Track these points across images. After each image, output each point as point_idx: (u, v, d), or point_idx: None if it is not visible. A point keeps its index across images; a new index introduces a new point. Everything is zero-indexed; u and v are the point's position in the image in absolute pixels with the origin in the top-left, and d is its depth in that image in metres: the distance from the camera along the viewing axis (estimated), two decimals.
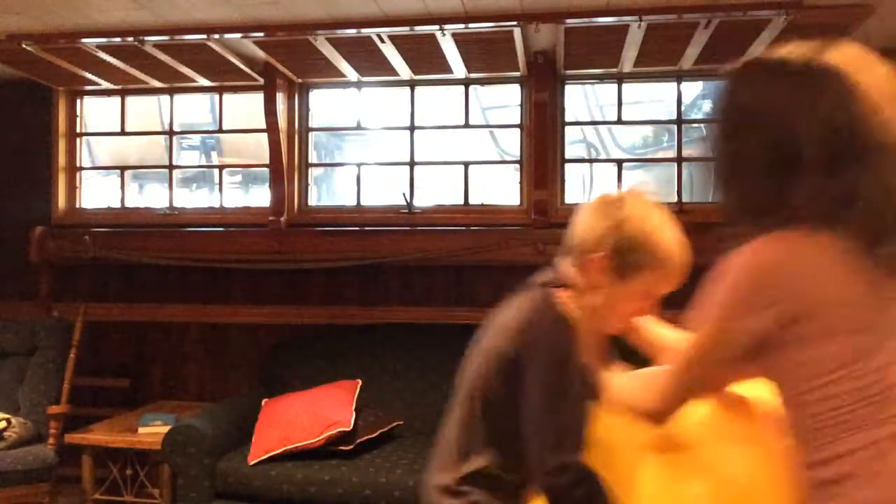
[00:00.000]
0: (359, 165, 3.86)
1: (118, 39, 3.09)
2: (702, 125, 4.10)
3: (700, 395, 1.26)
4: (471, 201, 3.74)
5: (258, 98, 3.64)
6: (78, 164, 4.08)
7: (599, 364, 1.46)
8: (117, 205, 4.05)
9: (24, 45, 3.14)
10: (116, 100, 4.03)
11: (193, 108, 4.25)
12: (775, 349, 1.06)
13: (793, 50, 1.11)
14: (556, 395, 1.27)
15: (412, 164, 3.79)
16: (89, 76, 3.60)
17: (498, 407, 1.36)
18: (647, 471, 1.29)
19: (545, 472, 1.27)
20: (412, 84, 3.74)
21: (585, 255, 1.36)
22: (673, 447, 1.30)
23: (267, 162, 3.74)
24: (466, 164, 3.75)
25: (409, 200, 3.71)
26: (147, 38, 3.07)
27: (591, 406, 1.34)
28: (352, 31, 2.97)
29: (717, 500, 1.26)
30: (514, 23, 2.88)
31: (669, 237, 1.39)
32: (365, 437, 2.96)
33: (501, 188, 3.95)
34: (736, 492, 1.26)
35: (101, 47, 3.19)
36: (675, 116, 3.64)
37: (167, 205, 3.97)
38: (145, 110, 4.16)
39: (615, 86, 3.66)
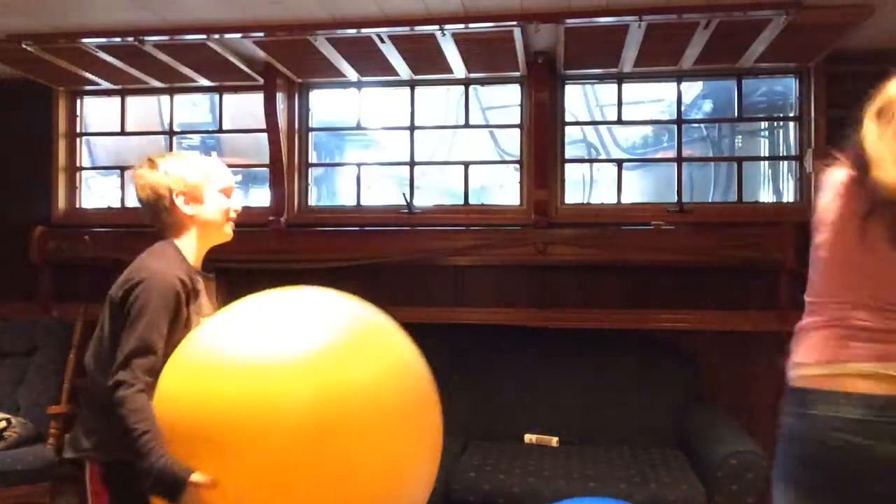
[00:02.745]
0: (359, 165, 3.86)
1: (118, 39, 3.09)
2: (702, 125, 4.11)
3: None
4: (471, 201, 3.74)
5: (258, 98, 3.64)
6: (78, 164, 4.08)
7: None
8: (117, 205, 4.05)
9: (24, 45, 3.14)
10: (116, 100, 4.03)
11: (193, 108, 4.25)
12: None
13: None
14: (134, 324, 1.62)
15: (412, 164, 3.79)
16: (89, 76, 3.60)
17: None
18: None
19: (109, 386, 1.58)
20: (412, 84, 3.74)
21: (166, 208, 1.83)
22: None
23: (267, 162, 3.74)
24: (466, 164, 3.75)
25: (409, 200, 3.71)
26: (147, 38, 3.07)
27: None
28: (352, 31, 2.97)
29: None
30: (514, 23, 2.88)
31: (191, 158, 1.88)
32: None
33: (501, 188, 3.95)
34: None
35: (101, 47, 3.19)
36: (675, 116, 3.64)
37: None
38: (145, 110, 4.16)
39: (615, 86, 3.66)
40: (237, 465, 1.40)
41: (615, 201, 3.65)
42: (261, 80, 3.57)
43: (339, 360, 1.48)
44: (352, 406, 1.44)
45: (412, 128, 3.79)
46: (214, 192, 1.85)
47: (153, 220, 1.86)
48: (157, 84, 3.75)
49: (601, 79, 3.67)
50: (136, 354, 1.58)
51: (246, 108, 3.92)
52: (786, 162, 3.70)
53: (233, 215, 1.93)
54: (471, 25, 2.89)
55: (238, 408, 1.40)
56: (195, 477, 1.42)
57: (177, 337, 1.63)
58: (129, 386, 1.54)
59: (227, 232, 1.93)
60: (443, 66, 3.38)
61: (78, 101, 4.06)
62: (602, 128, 4.14)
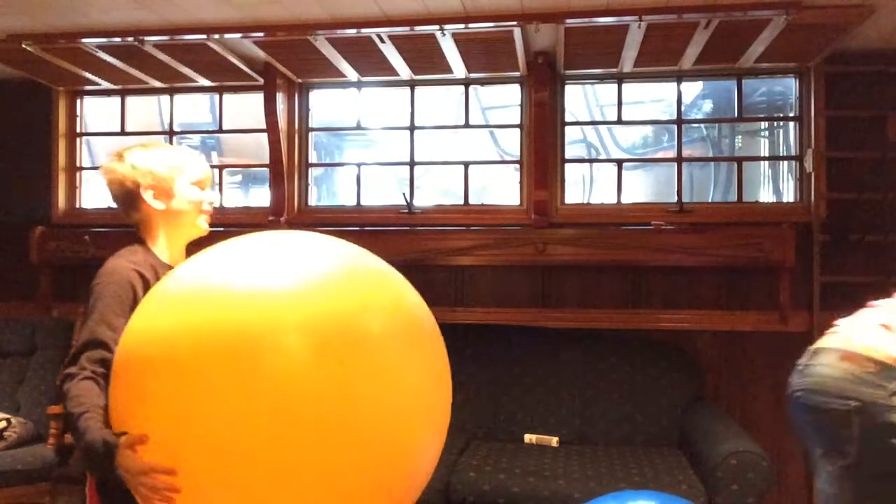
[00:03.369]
0: (359, 165, 3.86)
1: (118, 39, 3.09)
2: (702, 125, 4.11)
3: None
4: (471, 201, 3.74)
5: (258, 98, 3.64)
6: (78, 164, 4.08)
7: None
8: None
9: (24, 45, 3.14)
10: (116, 100, 4.03)
11: (193, 108, 4.25)
12: None
13: None
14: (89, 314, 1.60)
15: (412, 164, 3.79)
16: (89, 76, 3.60)
17: None
18: (319, 372, 1.27)
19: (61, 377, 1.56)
20: (412, 84, 3.75)
21: (134, 202, 1.74)
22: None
23: (267, 162, 3.74)
24: (466, 164, 3.75)
25: (409, 200, 3.71)
26: (147, 38, 3.07)
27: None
28: (352, 31, 2.97)
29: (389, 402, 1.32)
30: (514, 23, 2.88)
31: (162, 150, 1.79)
32: None
33: (501, 188, 3.95)
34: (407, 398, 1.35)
35: (101, 47, 3.19)
36: (675, 116, 3.64)
37: None
38: (145, 110, 4.16)
39: (615, 86, 3.66)
40: (219, 396, 1.25)
41: (615, 201, 3.65)
42: (261, 80, 3.57)
43: (335, 287, 1.39)
44: (348, 331, 1.31)
45: (412, 128, 3.79)
46: (185, 184, 1.73)
47: (125, 216, 1.77)
48: (157, 84, 3.75)
49: (601, 79, 3.67)
50: (84, 349, 1.56)
51: (246, 108, 3.92)
52: (786, 162, 3.70)
53: (206, 208, 1.80)
54: (471, 25, 2.89)
55: (216, 334, 1.26)
56: (126, 440, 1.33)
57: None
58: (72, 377, 1.52)
59: (201, 226, 1.81)
60: (443, 66, 3.38)
61: (78, 101, 4.06)
62: (602, 128, 4.14)
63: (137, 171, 1.70)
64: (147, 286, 1.60)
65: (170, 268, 1.66)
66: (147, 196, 1.70)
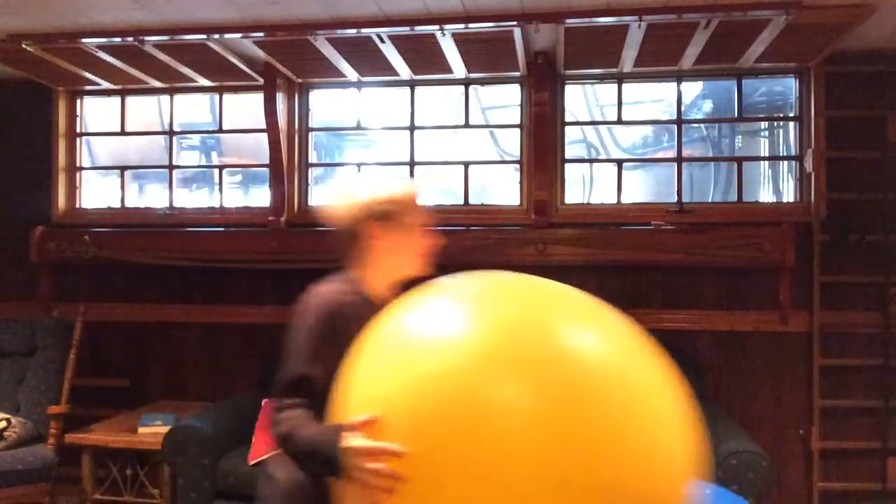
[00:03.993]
0: (359, 165, 3.86)
1: (118, 39, 3.09)
2: (702, 125, 4.11)
3: None
4: (471, 201, 3.74)
5: (258, 98, 3.64)
6: (78, 164, 4.08)
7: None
8: (117, 205, 4.05)
9: (24, 45, 3.14)
10: (116, 100, 4.03)
11: (193, 108, 4.25)
12: None
13: None
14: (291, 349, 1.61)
15: (412, 164, 3.79)
16: (89, 76, 3.60)
17: None
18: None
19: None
20: (412, 84, 3.74)
21: (356, 235, 1.71)
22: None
23: (267, 162, 3.74)
24: (466, 164, 3.75)
25: None
26: (147, 38, 3.07)
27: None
28: (352, 31, 2.97)
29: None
30: (514, 23, 2.88)
31: (392, 186, 1.72)
32: None
33: (501, 188, 3.95)
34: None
35: (101, 47, 3.19)
36: (675, 116, 3.64)
37: (167, 205, 3.97)
38: (145, 110, 4.16)
39: (615, 86, 3.66)
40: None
41: (615, 201, 3.65)
42: (261, 80, 3.57)
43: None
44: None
45: (412, 128, 3.79)
46: (409, 224, 1.68)
47: (343, 247, 1.75)
48: (157, 84, 3.75)
49: (601, 79, 3.67)
50: (287, 393, 1.53)
51: (246, 108, 3.92)
52: (786, 162, 3.70)
53: (424, 252, 1.74)
54: (471, 25, 2.89)
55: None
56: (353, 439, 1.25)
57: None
58: (280, 413, 1.50)
59: (418, 267, 1.74)
60: (443, 66, 3.38)
61: (78, 101, 4.06)
62: (602, 128, 4.14)
63: (366, 206, 1.67)
64: (348, 318, 1.57)
65: (372, 302, 1.64)
66: (369, 230, 1.67)
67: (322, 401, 1.44)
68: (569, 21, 2.86)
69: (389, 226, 1.66)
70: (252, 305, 3.79)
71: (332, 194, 1.75)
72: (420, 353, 1.27)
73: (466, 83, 3.71)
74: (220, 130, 4.07)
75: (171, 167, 4.01)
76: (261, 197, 4.28)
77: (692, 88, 4.03)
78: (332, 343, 1.52)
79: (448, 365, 1.21)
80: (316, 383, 1.51)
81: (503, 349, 1.22)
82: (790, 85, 3.62)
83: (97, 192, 4.16)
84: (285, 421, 1.46)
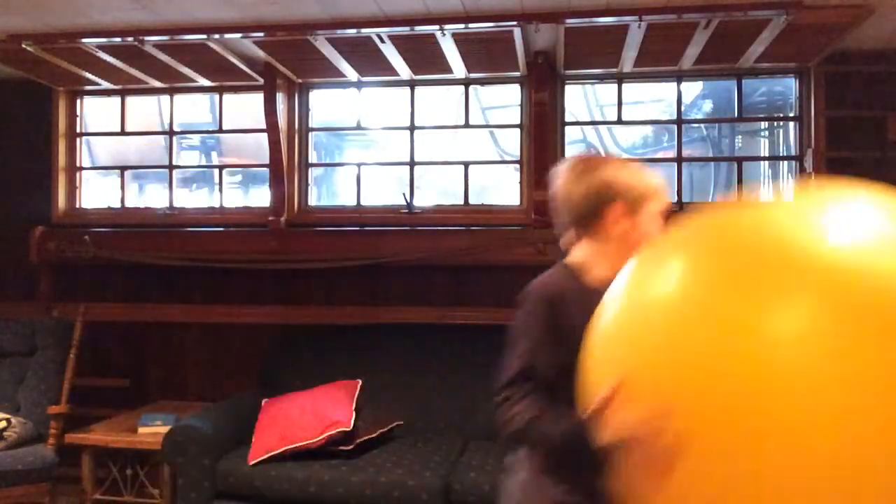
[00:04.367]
0: (359, 165, 3.86)
1: (118, 39, 3.09)
2: (702, 125, 4.11)
3: None
4: (471, 201, 3.74)
5: (258, 98, 3.64)
6: (78, 164, 4.08)
7: None
8: (117, 205, 4.05)
9: (24, 45, 3.14)
10: (116, 100, 4.03)
11: (193, 108, 4.25)
12: None
13: None
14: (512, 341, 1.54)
15: (412, 164, 3.79)
16: (89, 76, 3.60)
17: None
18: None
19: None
20: (412, 84, 3.74)
21: (597, 214, 1.53)
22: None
23: (267, 162, 3.74)
24: (466, 164, 3.75)
25: (409, 200, 3.71)
26: (147, 38, 3.07)
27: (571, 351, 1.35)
28: (352, 31, 2.97)
29: None
30: (514, 23, 2.88)
31: (638, 170, 1.58)
32: (365, 437, 2.96)
33: (501, 188, 3.95)
34: None
35: (101, 47, 3.19)
36: (675, 116, 3.64)
37: (167, 205, 3.97)
38: (145, 110, 4.16)
39: (615, 86, 3.66)
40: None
41: None
42: (261, 80, 3.57)
43: None
44: None
45: (412, 128, 3.79)
46: (650, 211, 1.55)
47: (574, 225, 1.58)
48: (157, 84, 3.75)
49: (601, 79, 3.67)
50: (510, 385, 1.49)
51: (246, 108, 3.92)
52: (786, 162, 3.70)
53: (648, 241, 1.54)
54: (471, 25, 2.89)
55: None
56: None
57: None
58: (506, 402, 1.48)
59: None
60: (443, 66, 3.38)
61: (78, 101, 4.06)
62: (602, 128, 4.14)
63: (616, 186, 1.53)
64: (567, 304, 1.48)
65: (594, 289, 1.44)
66: (614, 213, 1.52)
67: (548, 391, 1.42)
68: (569, 21, 2.86)
69: (636, 212, 1.53)
70: (252, 305, 3.79)
71: (570, 168, 1.58)
72: (671, 309, 1.11)
73: (466, 83, 3.71)
74: (220, 130, 4.07)
75: (171, 167, 4.01)
76: (261, 197, 4.29)
77: (692, 88, 4.03)
78: (554, 331, 1.45)
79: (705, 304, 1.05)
80: (540, 373, 1.45)
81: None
82: (790, 85, 3.62)
83: (97, 192, 4.16)
84: (518, 415, 1.42)
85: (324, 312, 3.72)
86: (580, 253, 1.58)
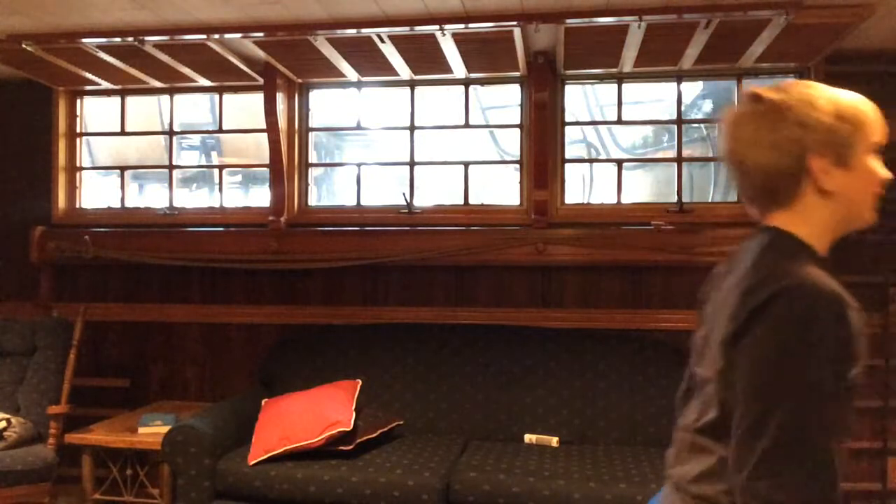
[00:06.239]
0: (359, 165, 3.86)
1: (118, 39, 3.09)
2: (702, 125, 4.10)
3: None
4: (471, 201, 3.74)
5: (258, 98, 3.64)
6: (78, 164, 4.08)
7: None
8: (117, 205, 4.05)
9: (24, 45, 3.14)
10: (116, 100, 4.03)
11: (193, 108, 4.25)
12: None
13: None
14: (780, 389, 0.93)
15: (412, 164, 3.79)
16: (89, 76, 3.60)
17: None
18: None
19: None
20: (412, 84, 3.75)
21: (796, 175, 1.11)
22: None
23: (267, 162, 3.74)
24: (466, 164, 3.75)
25: (409, 200, 3.71)
26: (147, 38, 3.07)
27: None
28: (352, 31, 2.97)
29: None
30: (514, 23, 2.88)
31: (837, 94, 1.14)
32: (365, 437, 2.96)
33: (501, 188, 3.95)
34: None
35: (101, 47, 3.19)
36: (675, 116, 3.64)
37: (167, 205, 3.97)
38: (145, 110, 4.16)
39: (615, 86, 3.66)
40: None
41: (615, 201, 3.65)
42: (261, 80, 3.57)
43: None
44: None
45: (412, 128, 3.79)
46: (865, 151, 1.12)
47: (760, 196, 1.18)
48: (157, 84, 3.75)
49: (601, 79, 3.67)
50: (776, 461, 0.92)
51: (246, 108, 3.92)
52: None
53: (880, 191, 1.15)
54: (471, 25, 2.89)
55: None
56: None
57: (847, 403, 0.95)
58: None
59: (871, 216, 1.16)
60: (443, 66, 3.38)
61: (78, 101, 4.06)
62: (602, 128, 4.13)
63: (808, 132, 1.09)
64: (856, 328, 1.00)
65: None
66: (818, 168, 1.09)
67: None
68: (569, 21, 2.86)
69: (846, 159, 1.10)
70: (252, 305, 3.79)
71: (737, 112, 1.16)
72: None
73: (466, 83, 3.71)
74: (220, 130, 4.07)
75: (171, 167, 4.01)
76: (261, 197, 4.29)
77: (692, 88, 4.03)
78: (847, 376, 0.95)
79: None
80: (835, 455, 0.93)
81: None
82: None
83: (97, 192, 4.16)
84: None
85: (324, 312, 3.72)
86: (792, 229, 1.14)
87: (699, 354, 1.20)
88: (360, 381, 3.19)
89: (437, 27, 2.89)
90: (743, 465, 0.94)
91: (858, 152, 1.11)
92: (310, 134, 3.89)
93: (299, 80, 3.75)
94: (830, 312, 0.96)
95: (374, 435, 3.02)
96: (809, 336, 0.94)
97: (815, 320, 0.95)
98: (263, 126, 3.66)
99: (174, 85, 3.82)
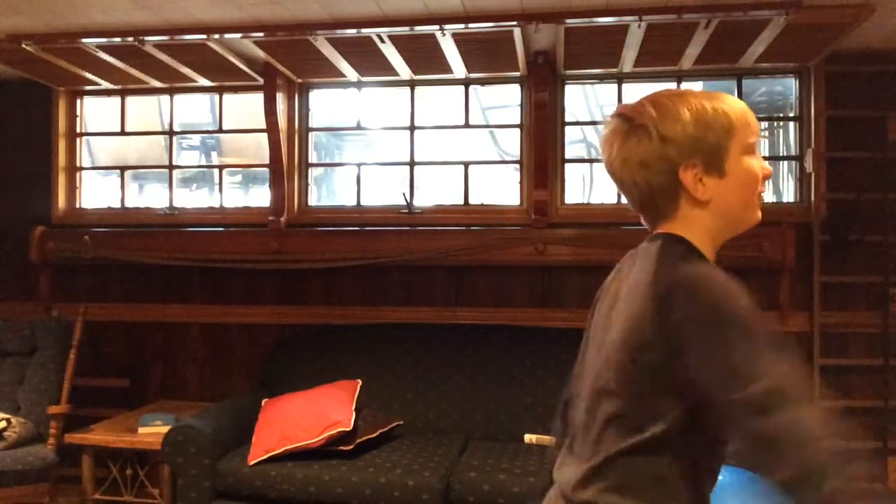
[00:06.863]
0: (359, 165, 3.86)
1: (118, 39, 3.09)
2: None
3: None
4: (471, 201, 3.74)
5: (258, 98, 3.64)
6: (78, 164, 4.08)
7: None
8: (117, 205, 4.05)
9: (24, 45, 3.14)
10: (116, 100, 4.03)
11: (193, 108, 4.25)
12: None
13: None
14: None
15: (412, 164, 3.79)
16: (89, 76, 3.60)
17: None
18: None
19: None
20: (412, 84, 3.75)
21: (670, 189, 1.13)
22: None
23: (267, 162, 3.74)
24: (466, 164, 3.75)
25: (409, 200, 3.71)
26: (147, 38, 3.07)
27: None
28: (352, 31, 2.97)
29: None
30: (514, 23, 2.88)
31: (702, 100, 1.14)
32: (365, 437, 2.96)
33: (501, 188, 3.95)
34: None
35: (101, 47, 3.19)
36: None
37: (167, 205, 3.97)
38: (145, 110, 4.16)
39: (615, 86, 3.66)
40: None
41: (615, 201, 3.65)
42: (261, 80, 3.57)
43: None
44: None
45: (412, 128, 3.79)
46: (738, 154, 1.12)
47: (644, 209, 1.19)
48: (157, 84, 3.75)
49: (601, 79, 3.67)
50: (770, 408, 0.96)
51: (246, 108, 3.92)
52: (786, 162, 3.70)
53: (761, 188, 1.16)
54: (471, 25, 2.89)
55: None
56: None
57: None
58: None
59: (756, 216, 1.19)
60: (443, 66, 3.38)
61: (78, 101, 4.06)
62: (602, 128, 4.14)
63: (674, 147, 1.10)
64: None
65: None
66: (688, 179, 1.10)
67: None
68: (569, 21, 2.86)
69: (719, 166, 1.11)
70: (252, 305, 3.79)
71: (609, 130, 1.19)
72: None
73: (466, 83, 3.71)
74: (220, 130, 4.07)
75: (171, 167, 4.01)
76: (261, 197, 4.29)
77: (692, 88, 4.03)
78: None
79: None
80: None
81: None
82: (790, 85, 3.62)
83: (97, 192, 4.16)
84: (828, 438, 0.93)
85: (324, 312, 3.72)
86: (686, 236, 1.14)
87: (580, 376, 1.31)
88: (360, 381, 3.19)
89: (437, 27, 2.89)
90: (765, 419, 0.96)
91: (731, 156, 1.11)
92: (310, 134, 3.89)
93: (299, 80, 3.75)
94: (731, 288, 1.05)
95: (374, 435, 3.02)
96: (729, 304, 1.03)
97: (726, 294, 1.04)
98: (263, 126, 3.66)
99: (174, 85, 3.82)
